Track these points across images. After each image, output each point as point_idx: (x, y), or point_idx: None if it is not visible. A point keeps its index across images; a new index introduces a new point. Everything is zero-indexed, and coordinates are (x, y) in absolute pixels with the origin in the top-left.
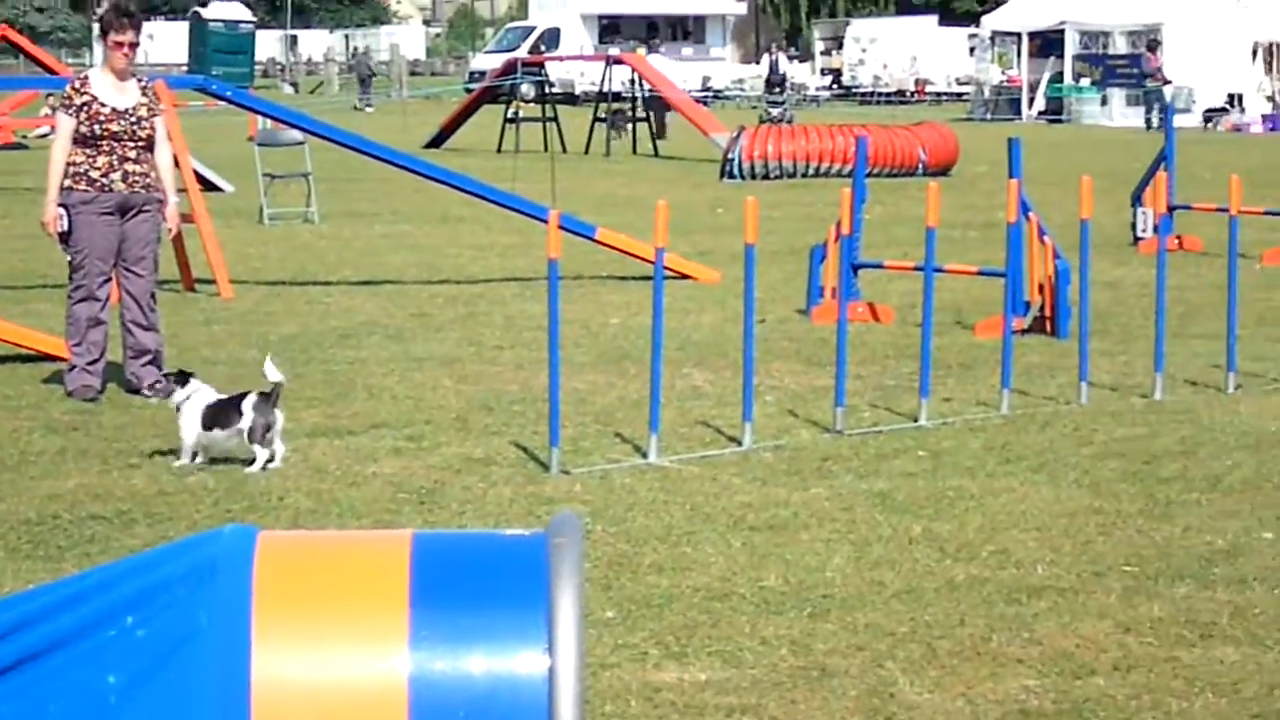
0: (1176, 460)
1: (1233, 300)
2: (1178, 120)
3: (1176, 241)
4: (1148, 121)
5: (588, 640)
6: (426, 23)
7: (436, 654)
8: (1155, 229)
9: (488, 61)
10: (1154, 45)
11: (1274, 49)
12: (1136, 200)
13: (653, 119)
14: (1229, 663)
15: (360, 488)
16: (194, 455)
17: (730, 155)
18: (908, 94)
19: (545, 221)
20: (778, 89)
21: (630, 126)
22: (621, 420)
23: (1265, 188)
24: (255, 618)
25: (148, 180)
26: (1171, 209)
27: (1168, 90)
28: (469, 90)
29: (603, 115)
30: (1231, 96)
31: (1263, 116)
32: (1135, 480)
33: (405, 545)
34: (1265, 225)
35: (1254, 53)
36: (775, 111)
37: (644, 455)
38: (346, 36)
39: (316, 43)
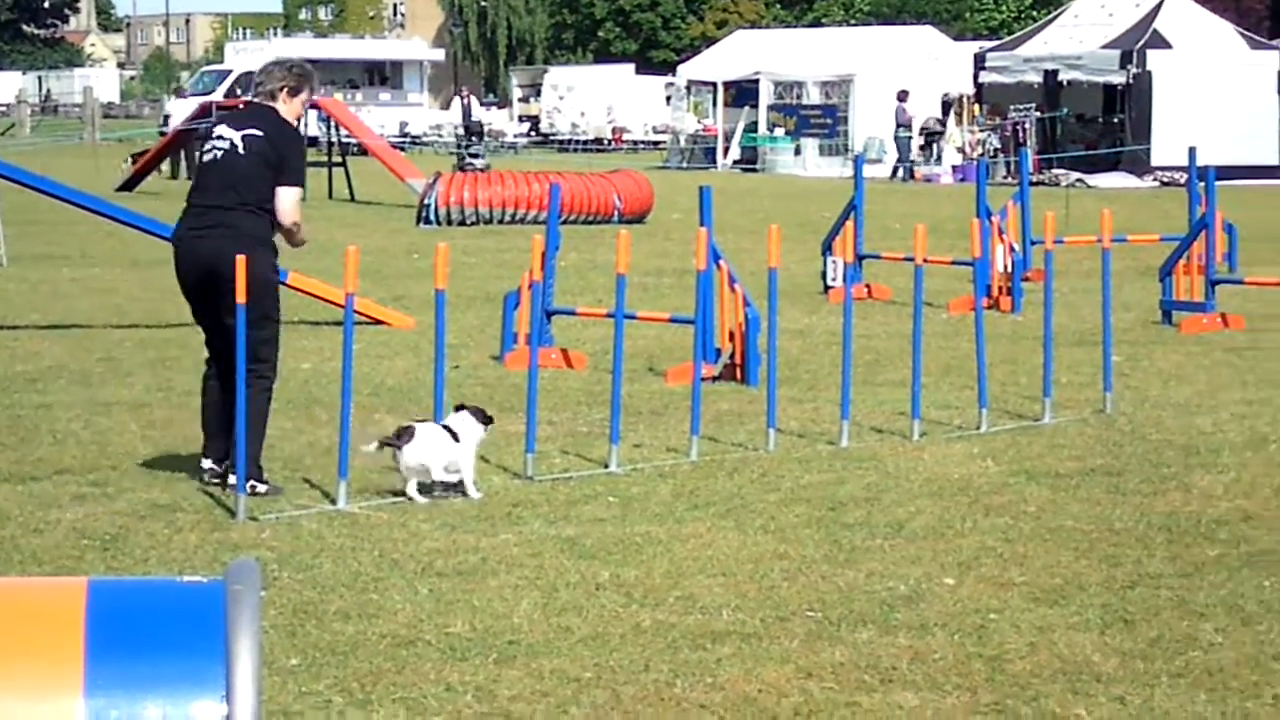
0: (861, 506)
1: (918, 349)
2: (870, 170)
3: (866, 290)
4: (895, 169)
5: (270, 688)
6: (121, 65)
7: (112, 702)
8: (844, 278)
9: (182, 105)
10: (904, 95)
11: (964, 101)
12: (827, 249)
13: None
14: (908, 708)
15: (43, 535)
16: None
17: (427, 201)
18: (605, 142)
19: None
20: (475, 137)
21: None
22: (311, 466)
23: (954, 238)
24: None
25: None
26: (860, 258)
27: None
28: (163, 134)
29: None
30: (923, 147)
31: (953, 168)
32: (820, 526)
33: (81, 593)
34: (952, 275)
35: (945, 105)
36: (479, 163)
37: (333, 501)
38: (40, 78)
39: (8, 84)
